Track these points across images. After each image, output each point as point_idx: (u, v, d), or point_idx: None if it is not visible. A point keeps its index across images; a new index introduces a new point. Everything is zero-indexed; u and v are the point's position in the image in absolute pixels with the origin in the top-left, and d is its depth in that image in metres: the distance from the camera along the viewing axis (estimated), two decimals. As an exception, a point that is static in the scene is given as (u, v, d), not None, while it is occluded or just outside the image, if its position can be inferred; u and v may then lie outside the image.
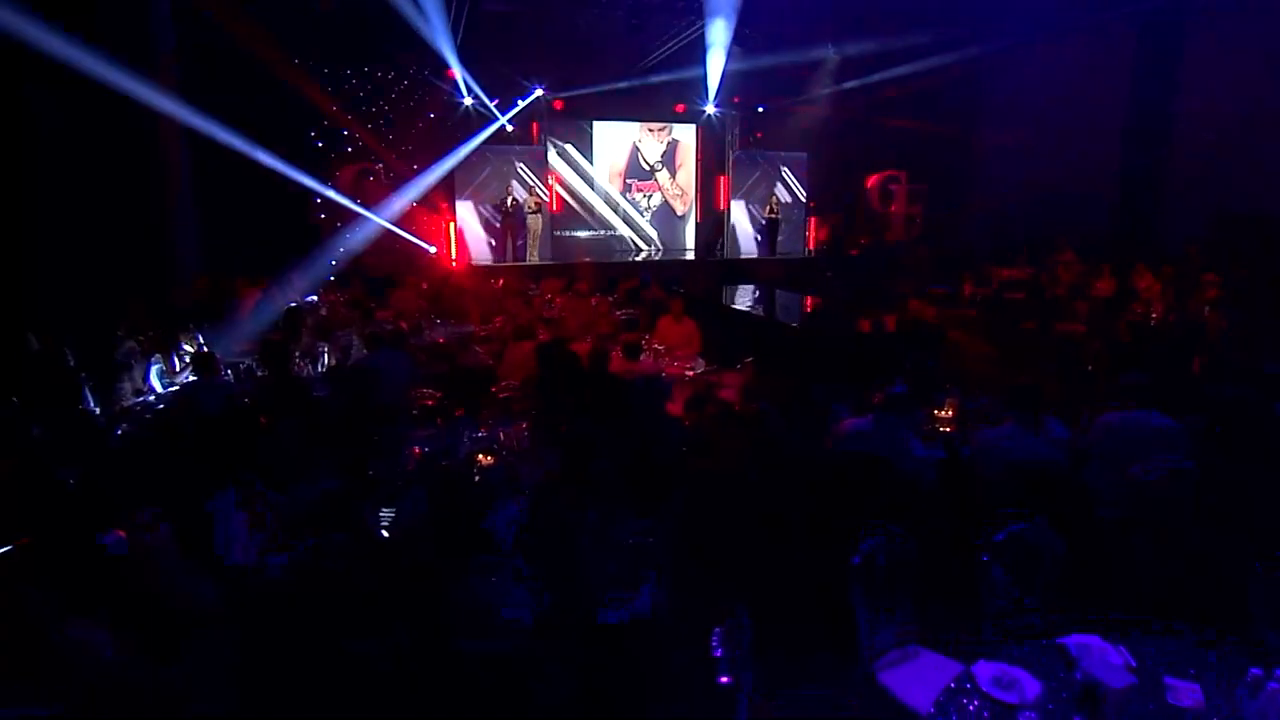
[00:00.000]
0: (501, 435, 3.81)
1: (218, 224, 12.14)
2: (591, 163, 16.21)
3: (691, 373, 5.92)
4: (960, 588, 2.62)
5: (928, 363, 6.56)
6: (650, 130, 16.52)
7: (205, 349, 5.93)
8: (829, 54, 15.15)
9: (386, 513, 2.96)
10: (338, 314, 7.70)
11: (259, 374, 4.95)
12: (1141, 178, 14.29)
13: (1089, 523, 2.82)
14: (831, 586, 2.77)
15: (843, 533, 2.83)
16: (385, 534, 2.92)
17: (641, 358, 5.93)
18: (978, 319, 12.40)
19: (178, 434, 3.91)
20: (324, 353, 7.00)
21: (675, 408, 5.42)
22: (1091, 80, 14.37)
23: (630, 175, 16.57)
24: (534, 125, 15.56)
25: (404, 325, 7.14)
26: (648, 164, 16.65)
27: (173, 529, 2.49)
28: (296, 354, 6.80)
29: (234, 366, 7.13)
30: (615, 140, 16.35)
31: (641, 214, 16.80)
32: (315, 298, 8.00)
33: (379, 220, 14.19)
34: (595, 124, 16.06)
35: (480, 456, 3.73)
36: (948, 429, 4.48)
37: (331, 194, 14.02)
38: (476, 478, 3.31)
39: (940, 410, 4.49)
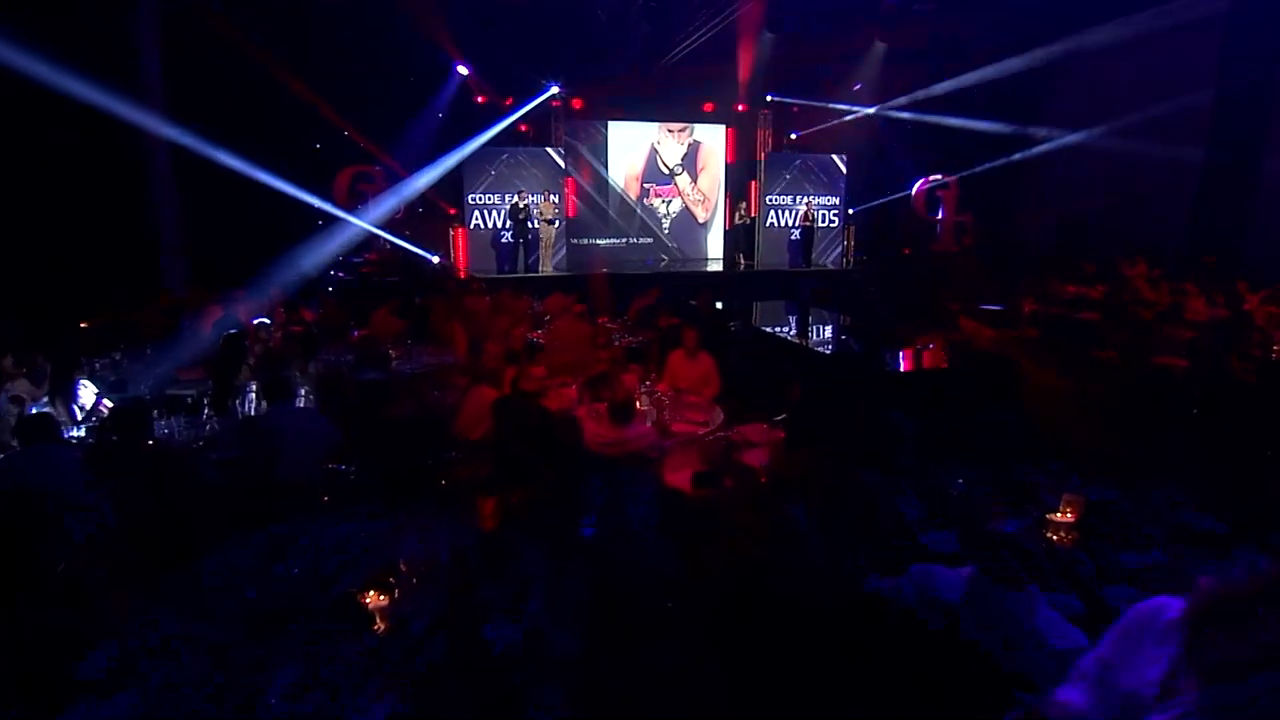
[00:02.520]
0: (403, 565, 2.54)
1: (206, 235, 11.36)
2: (606, 166, 15.01)
3: (705, 429, 4.61)
4: None
5: (1007, 420, 5.13)
6: (670, 131, 15.28)
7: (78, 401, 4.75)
8: (874, 45, 13.65)
9: None
10: (290, 338, 6.52)
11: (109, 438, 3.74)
12: (1228, 182, 12.58)
13: None
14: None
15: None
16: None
17: (640, 410, 4.63)
18: (1042, 343, 10.96)
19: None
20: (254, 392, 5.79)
21: (680, 479, 4.12)
22: (1171, 70, 12.71)
23: (648, 179, 15.33)
24: (551, 126, 14.43)
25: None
26: (666, 167, 15.39)
27: None
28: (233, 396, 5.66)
29: (177, 401, 6.05)
30: (632, 142, 15.14)
31: (659, 221, 15.53)
32: (269, 320, 6.84)
33: (376, 229, 13.17)
34: (610, 124, 14.86)
35: (369, 595, 2.47)
36: (1065, 536, 3.09)
37: (328, 200, 13.05)
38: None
39: (1058, 514, 3.11)
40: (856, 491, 3.42)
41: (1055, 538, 3.10)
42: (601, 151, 15.01)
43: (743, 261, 14.89)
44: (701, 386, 5.56)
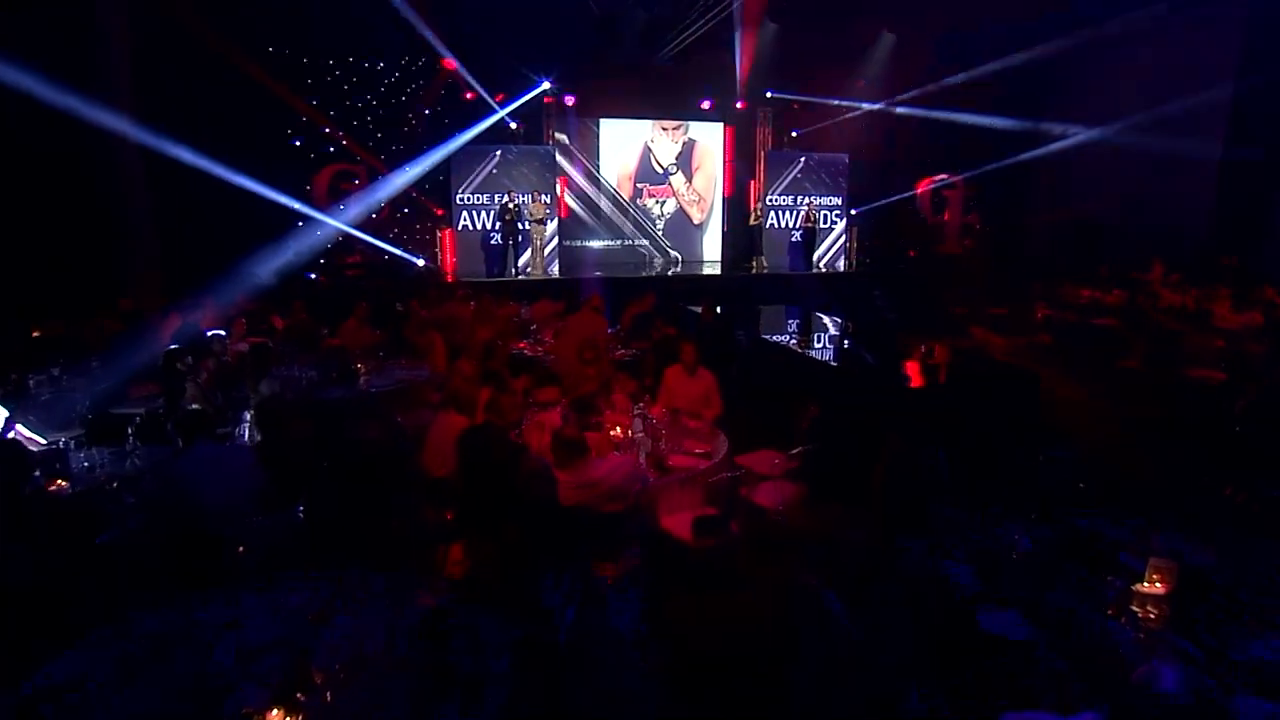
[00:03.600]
0: (317, 676, 1.94)
1: (179, 238, 10.76)
2: (598, 165, 14.44)
3: (707, 461, 4.00)
4: None
5: (1049, 452, 4.52)
6: (664, 129, 14.71)
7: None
8: (883, 36, 12.96)
9: None
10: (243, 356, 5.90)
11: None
12: (1247, 182, 12.05)
13: None
14: None
15: None
16: None
17: (630, 439, 4.02)
18: (1058, 351, 10.46)
19: None
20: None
21: (678, 523, 3.53)
22: (1190, 63, 12.17)
23: (641, 179, 14.75)
24: (543, 123, 13.83)
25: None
26: (660, 166, 14.82)
27: None
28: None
29: (126, 420, 5.46)
30: (624, 140, 14.56)
31: (653, 222, 14.94)
32: (224, 331, 6.21)
33: (358, 230, 12.55)
34: (602, 122, 14.28)
35: (273, 714, 1.88)
36: (1156, 612, 2.51)
37: (308, 200, 12.42)
38: None
39: (1145, 583, 2.53)
40: (892, 563, 2.83)
41: (1142, 613, 2.52)
42: (594, 150, 14.43)
43: (758, 264, 14.29)
44: (701, 407, 4.97)
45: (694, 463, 3.94)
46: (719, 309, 7.88)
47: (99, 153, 9.93)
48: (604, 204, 14.64)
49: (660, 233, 15.07)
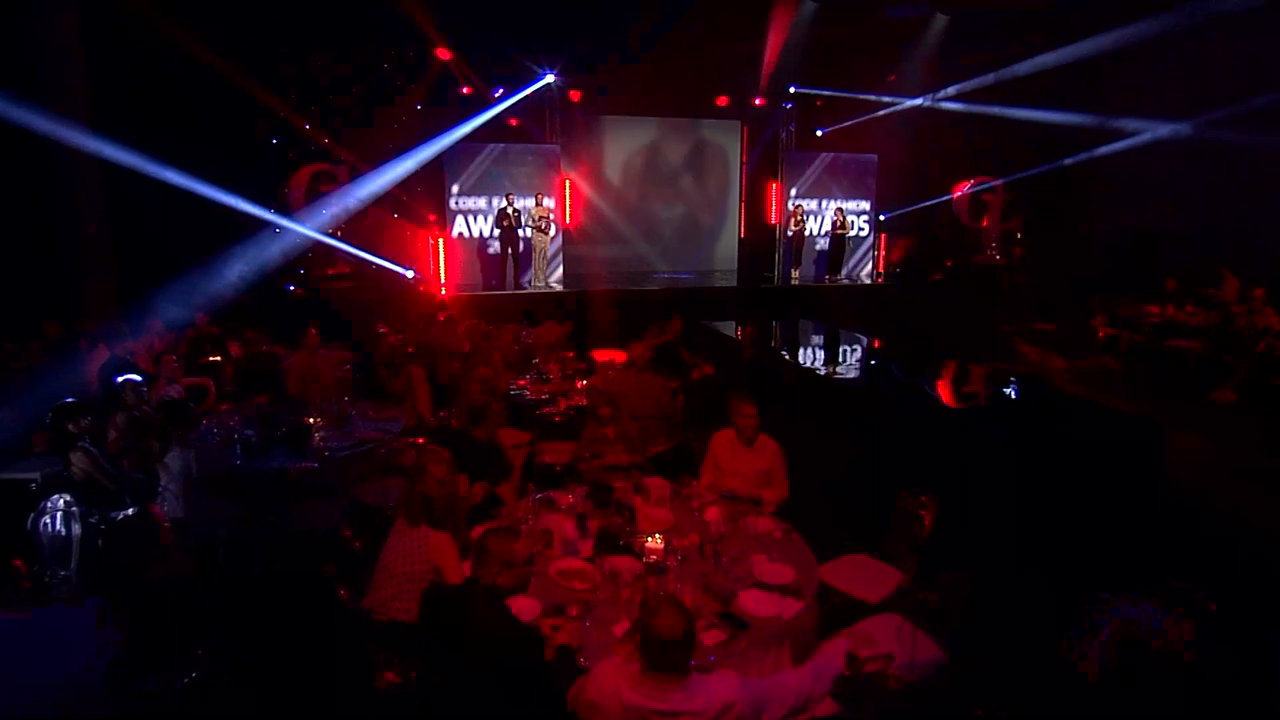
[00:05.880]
0: None
1: (136, 251, 9.49)
2: (603, 166, 13.20)
3: (797, 602, 2.64)
4: None
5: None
6: (673, 128, 13.46)
7: None
8: (933, 20, 11.52)
9: None
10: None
11: None
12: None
13: None
14: None
15: None
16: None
17: (673, 585, 2.69)
18: (1128, 377, 9.32)
19: None
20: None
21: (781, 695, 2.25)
22: (1261, 58, 10.88)
23: (648, 181, 13.50)
24: (546, 120, 12.55)
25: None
26: (669, 168, 13.56)
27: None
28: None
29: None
30: (631, 139, 13.33)
31: (660, 228, 13.69)
32: (138, 377, 4.87)
33: (338, 238, 11.27)
34: (607, 120, 13.05)
35: None
36: None
37: (280, 205, 11.12)
38: None
39: None
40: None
41: None
42: (599, 149, 13.18)
43: (790, 274, 13.10)
44: (761, 487, 3.67)
45: (776, 605, 2.61)
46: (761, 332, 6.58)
47: (45, 157, 8.72)
48: (610, 208, 13.39)
49: (669, 239, 13.83)
